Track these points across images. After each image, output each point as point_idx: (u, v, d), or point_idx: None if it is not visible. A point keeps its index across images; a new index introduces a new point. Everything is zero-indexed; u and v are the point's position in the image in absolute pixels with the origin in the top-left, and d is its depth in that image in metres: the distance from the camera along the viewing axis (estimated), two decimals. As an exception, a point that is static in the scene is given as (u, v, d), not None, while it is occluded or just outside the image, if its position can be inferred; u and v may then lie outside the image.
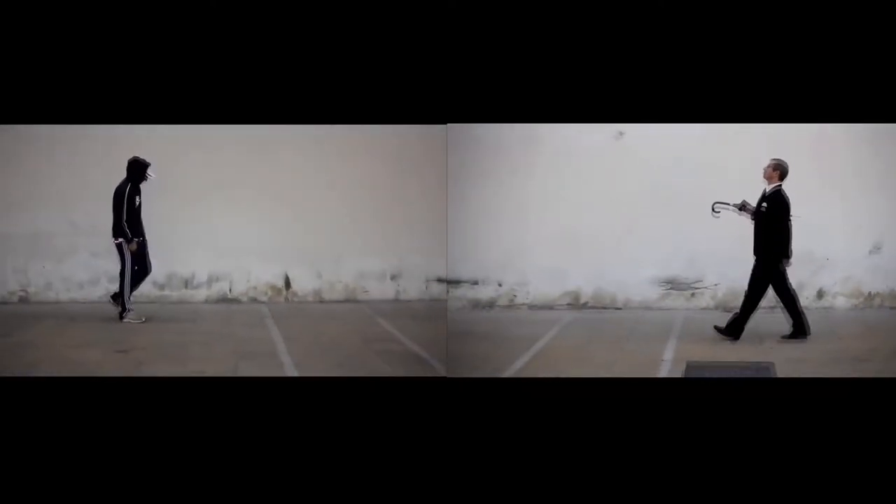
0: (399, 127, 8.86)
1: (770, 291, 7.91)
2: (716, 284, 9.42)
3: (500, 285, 9.63)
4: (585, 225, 9.44)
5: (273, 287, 9.93)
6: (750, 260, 9.20)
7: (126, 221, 8.27)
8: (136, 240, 8.36)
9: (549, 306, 9.56)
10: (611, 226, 9.41)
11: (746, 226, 9.13)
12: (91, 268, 9.59)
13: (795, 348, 7.52)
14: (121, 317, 8.42)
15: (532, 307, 9.58)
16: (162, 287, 9.67)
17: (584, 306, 9.55)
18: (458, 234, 9.32)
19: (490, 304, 9.63)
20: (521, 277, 9.59)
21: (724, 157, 9.18)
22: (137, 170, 8.35)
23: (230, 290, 9.85)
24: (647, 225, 9.37)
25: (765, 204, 7.71)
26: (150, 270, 8.66)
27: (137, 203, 8.39)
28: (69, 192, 9.53)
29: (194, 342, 7.69)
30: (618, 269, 9.46)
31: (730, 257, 9.18)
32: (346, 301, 9.95)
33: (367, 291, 9.98)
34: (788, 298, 7.82)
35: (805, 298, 9.36)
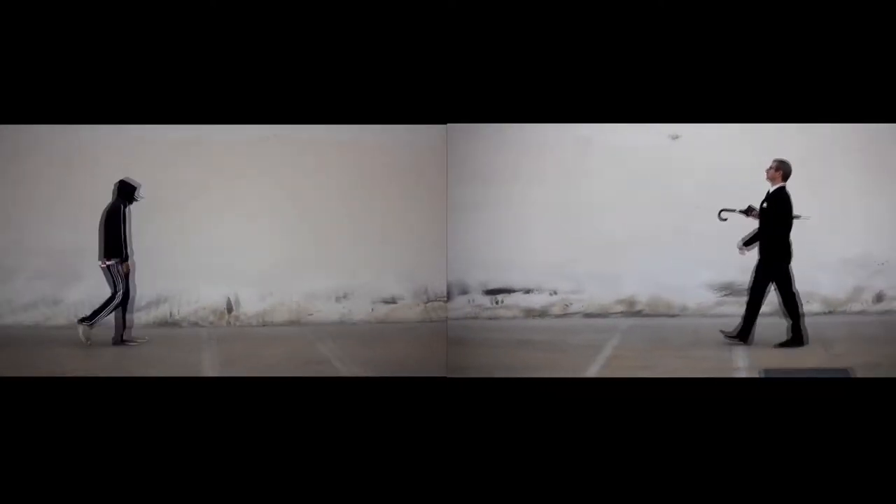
0: (385, 129, 8.94)
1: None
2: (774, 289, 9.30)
3: (553, 293, 9.57)
4: (638, 230, 9.36)
5: (216, 310, 9.61)
6: (804, 264, 9.21)
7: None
8: (128, 262, 8.17)
9: (603, 314, 9.48)
10: (664, 230, 9.32)
11: (802, 230, 9.09)
12: (36, 290, 9.22)
13: (868, 352, 7.41)
14: (80, 321, 8.16)
15: (587, 315, 9.50)
16: None
17: (639, 313, 9.46)
18: (494, 241, 9.46)
19: (543, 313, 9.55)
20: (575, 285, 9.53)
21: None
22: (127, 191, 8.21)
23: (171, 313, 9.46)
24: (700, 229, 9.26)
25: (765, 204, 7.67)
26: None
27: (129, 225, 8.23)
28: (14, 210, 9.17)
29: (123, 368, 7.38)
30: (673, 275, 9.37)
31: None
32: (291, 324, 9.61)
33: (311, 315, 9.68)
34: (791, 303, 7.70)
35: (863, 302, 9.31)
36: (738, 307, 9.30)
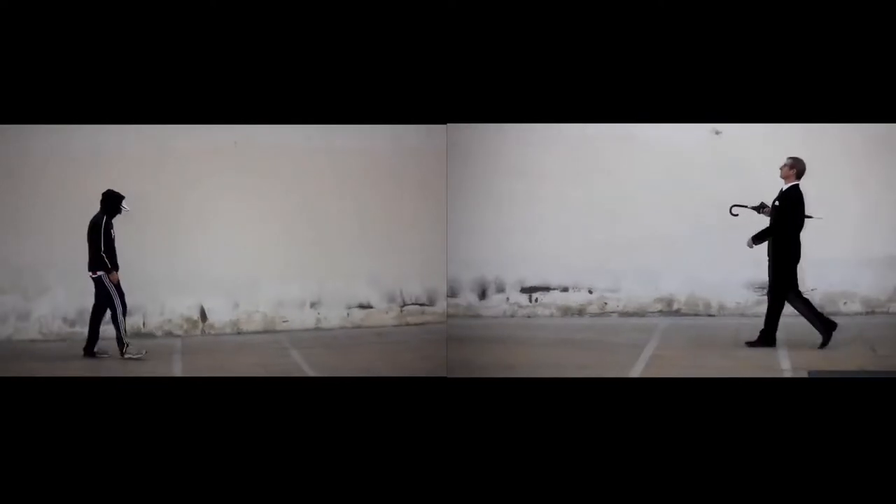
0: (384, 129, 9.00)
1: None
2: (812, 289, 9.18)
3: (590, 292, 9.52)
4: (676, 228, 9.27)
5: (189, 319, 9.39)
6: (846, 263, 9.11)
7: (105, 253, 7.98)
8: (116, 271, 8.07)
9: (640, 313, 9.42)
10: (703, 229, 9.20)
11: (844, 230, 9.00)
12: (3, 304, 8.90)
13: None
14: (122, 354, 8.03)
15: (623, 314, 9.44)
16: (73, 323, 8.91)
17: (677, 312, 9.39)
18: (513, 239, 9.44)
19: (580, 311, 9.51)
20: (612, 283, 9.46)
21: (822, 158, 8.96)
22: (112, 202, 8.08)
23: (144, 323, 9.15)
24: (740, 228, 9.17)
25: (777, 202, 7.61)
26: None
27: (112, 236, 8.07)
28: None
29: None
30: (711, 274, 9.27)
31: (826, 261, 9.03)
32: (265, 332, 9.45)
33: (286, 321, 9.55)
34: (775, 304, 7.66)
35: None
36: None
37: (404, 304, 9.76)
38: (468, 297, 9.65)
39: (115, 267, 8.04)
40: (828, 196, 8.89)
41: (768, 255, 7.67)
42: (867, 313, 9.12)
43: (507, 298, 9.61)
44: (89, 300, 8.21)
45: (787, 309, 8.98)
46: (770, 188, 8.11)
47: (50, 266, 8.84)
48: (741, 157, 9.03)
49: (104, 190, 8.09)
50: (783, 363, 7.11)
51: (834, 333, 7.56)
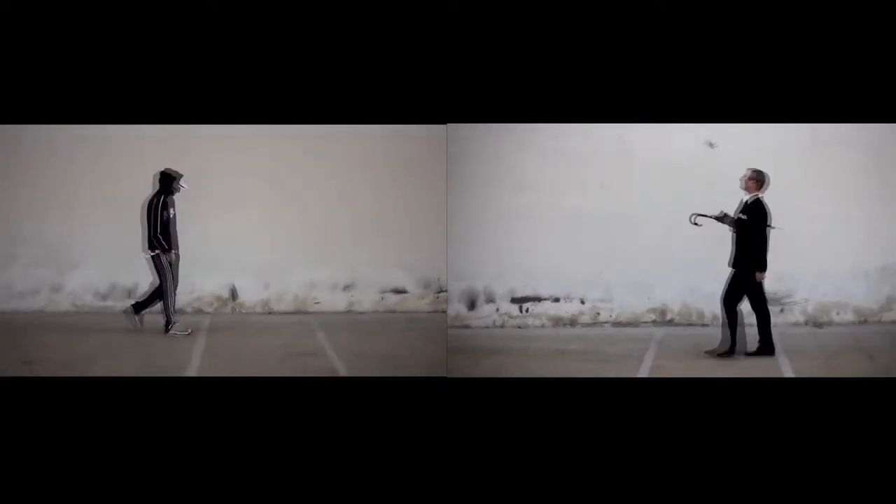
0: (384, 129, 9.24)
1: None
2: (806, 300, 9.15)
3: (582, 302, 9.35)
4: (671, 239, 9.13)
5: (219, 297, 9.67)
6: (840, 274, 9.06)
7: (160, 234, 8.15)
8: (174, 251, 8.31)
9: (633, 323, 9.28)
10: (698, 239, 9.08)
11: (837, 240, 8.96)
12: (31, 277, 9.41)
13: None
14: (166, 329, 8.27)
15: (616, 324, 9.29)
16: (104, 297, 9.45)
17: (670, 322, 9.27)
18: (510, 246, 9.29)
19: (572, 322, 9.34)
20: (605, 293, 9.31)
21: (816, 172, 8.96)
22: (167, 182, 8.28)
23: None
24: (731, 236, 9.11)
25: (743, 214, 7.59)
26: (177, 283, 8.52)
27: (171, 215, 8.28)
28: (7, 200, 9.41)
29: (102, 355, 7.47)
30: (704, 283, 9.13)
31: (820, 272, 9.02)
32: (296, 313, 9.74)
33: (318, 303, 9.79)
34: (763, 314, 7.64)
35: (897, 312, 9.18)
36: (771, 316, 9.16)
37: (440, 291, 9.69)
38: (456, 307, 9.45)
39: (172, 246, 8.27)
40: (822, 208, 8.92)
41: (733, 266, 7.63)
42: (860, 322, 9.06)
43: (497, 309, 9.42)
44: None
45: (782, 318, 9.03)
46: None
47: (77, 242, 9.36)
48: (735, 170, 8.90)
49: (161, 170, 8.36)
50: (785, 372, 7.03)
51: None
